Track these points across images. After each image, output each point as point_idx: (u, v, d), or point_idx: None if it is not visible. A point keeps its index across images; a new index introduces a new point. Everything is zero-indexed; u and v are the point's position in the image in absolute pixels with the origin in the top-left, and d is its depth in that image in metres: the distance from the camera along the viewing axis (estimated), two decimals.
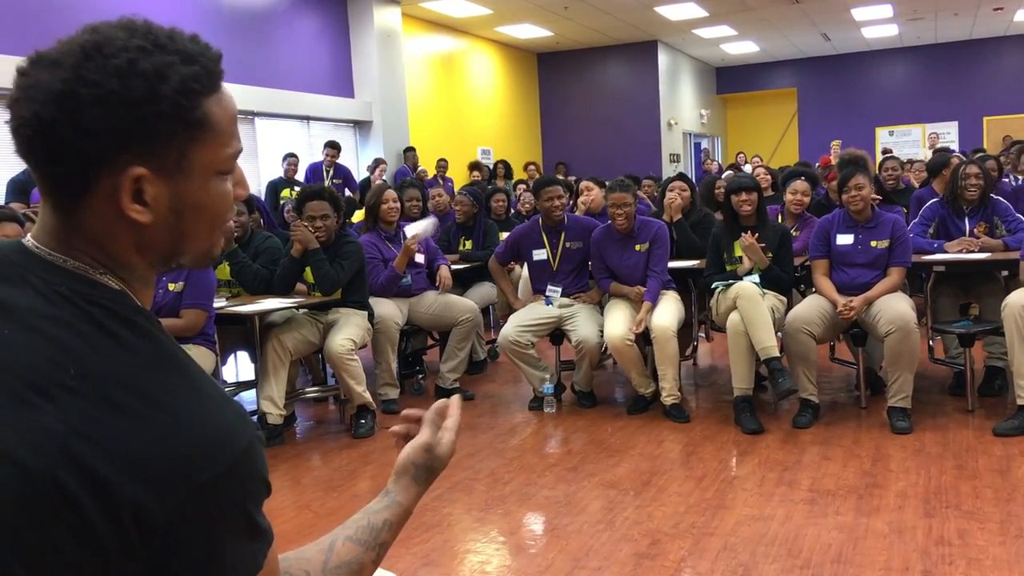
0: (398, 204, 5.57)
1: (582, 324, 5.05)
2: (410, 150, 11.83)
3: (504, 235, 6.85)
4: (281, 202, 8.84)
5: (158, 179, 0.87)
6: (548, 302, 5.24)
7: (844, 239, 4.73)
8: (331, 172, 10.12)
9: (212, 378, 0.91)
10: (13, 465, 0.77)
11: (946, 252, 4.93)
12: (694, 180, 7.20)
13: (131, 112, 0.84)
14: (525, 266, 5.70)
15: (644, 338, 4.98)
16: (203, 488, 0.82)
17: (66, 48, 0.87)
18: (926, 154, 13.54)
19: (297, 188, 9.08)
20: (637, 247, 5.05)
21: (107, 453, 0.79)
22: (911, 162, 9.13)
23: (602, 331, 4.96)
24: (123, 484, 0.79)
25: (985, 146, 15.44)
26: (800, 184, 5.54)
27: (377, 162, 10.93)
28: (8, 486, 0.77)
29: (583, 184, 6.46)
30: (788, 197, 5.59)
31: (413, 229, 5.35)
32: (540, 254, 5.34)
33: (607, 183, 5.46)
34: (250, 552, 0.88)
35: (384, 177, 10.84)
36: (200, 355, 4.39)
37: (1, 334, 0.83)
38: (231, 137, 0.93)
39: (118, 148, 0.85)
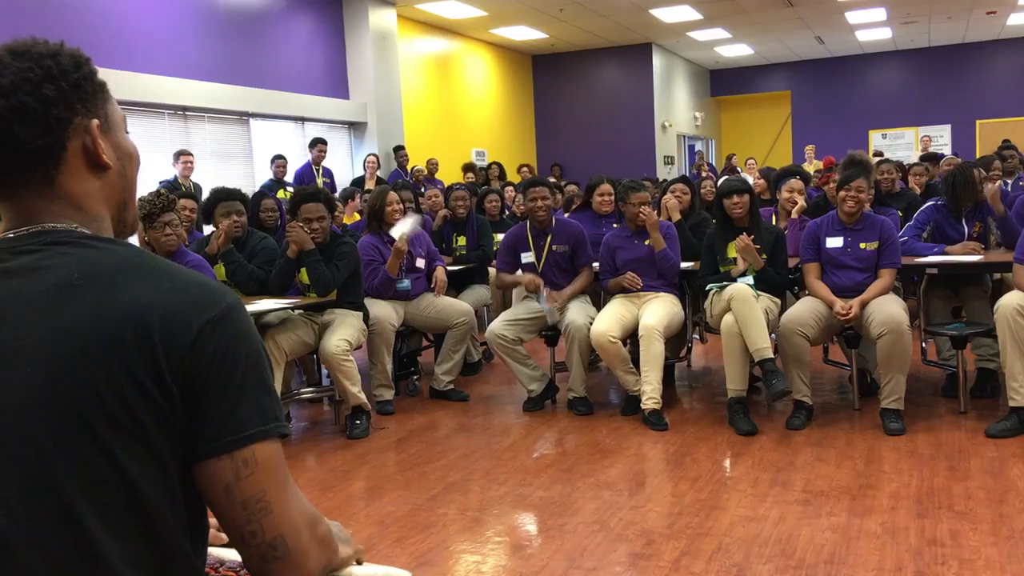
0: (401, 206, 5.58)
1: (571, 311, 5.10)
2: (400, 149, 11.80)
3: (499, 237, 6.89)
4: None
5: (102, 133, 1.11)
6: (539, 299, 5.25)
7: (834, 242, 4.75)
8: (320, 171, 10.11)
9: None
10: (64, 355, 0.98)
11: (947, 256, 4.94)
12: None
13: (69, 80, 1.07)
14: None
15: (632, 338, 4.99)
16: (212, 323, 1.03)
17: None
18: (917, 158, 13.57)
19: (290, 189, 9.10)
20: (647, 241, 5.12)
21: (130, 305, 1.00)
22: (910, 165, 9.14)
23: (592, 320, 4.97)
24: (150, 326, 1.00)
25: (977, 149, 15.50)
26: (796, 182, 5.58)
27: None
28: (65, 371, 0.97)
29: (602, 187, 6.33)
30: (784, 195, 5.62)
31: (398, 230, 5.34)
32: (527, 256, 5.36)
33: (623, 182, 5.46)
34: (267, 402, 1.07)
35: (378, 173, 10.84)
36: None
37: (11, 286, 1.02)
38: (113, 99, 1.17)
39: (72, 110, 1.07)
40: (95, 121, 1.10)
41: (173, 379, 1.00)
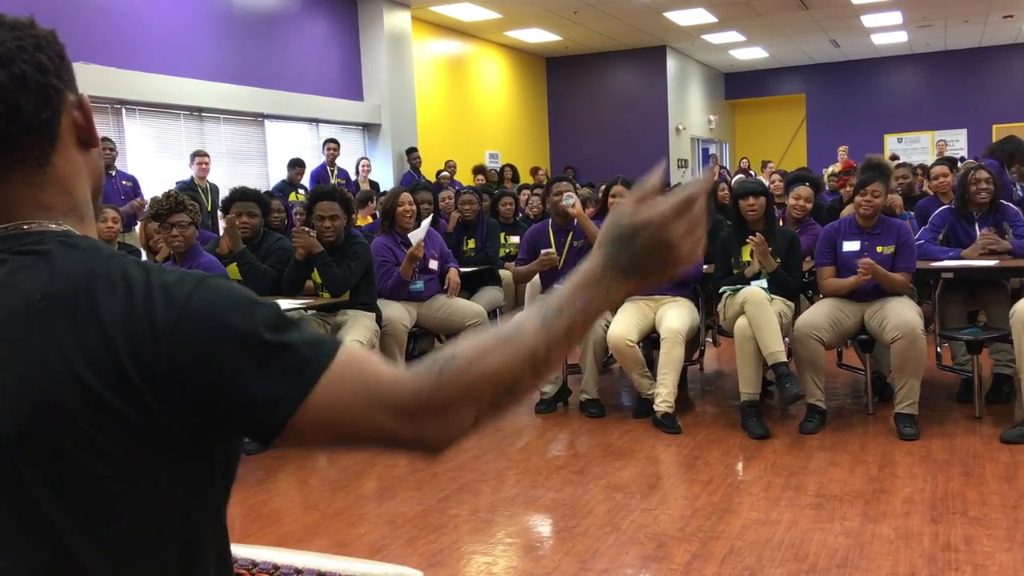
0: (414, 207, 5.59)
1: None
2: (412, 151, 11.82)
3: (513, 239, 6.90)
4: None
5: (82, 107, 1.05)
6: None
7: (850, 245, 4.73)
8: (334, 171, 10.13)
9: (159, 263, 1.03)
10: (31, 385, 0.90)
11: (963, 259, 4.91)
12: None
13: (53, 50, 1.01)
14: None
15: (652, 342, 4.99)
16: (179, 323, 0.92)
17: None
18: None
19: (302, 192, 9.13)
20: None
21: (96, 337, 0.91)
22: (924, 169, 9.09)
23: (608, 323, 4.97)
24: (119, 354, 0.90)
25: None
26: (804, 190, 5.57)
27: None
28: (36, 402, 0.90)
29: (615, 188, 6.33)
30: (791, 202, 5.62)
31: (415, 236, 5.34)
32: (548, 252, 5.36)
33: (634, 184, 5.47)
34: (291, 355, 0.93)
35: (376, 176, 10.84)
36: None
37: None
38: None
39: (62, 81, 1.01)
40: (82, 95, 1.04)
41: (154, 399, 0.91)
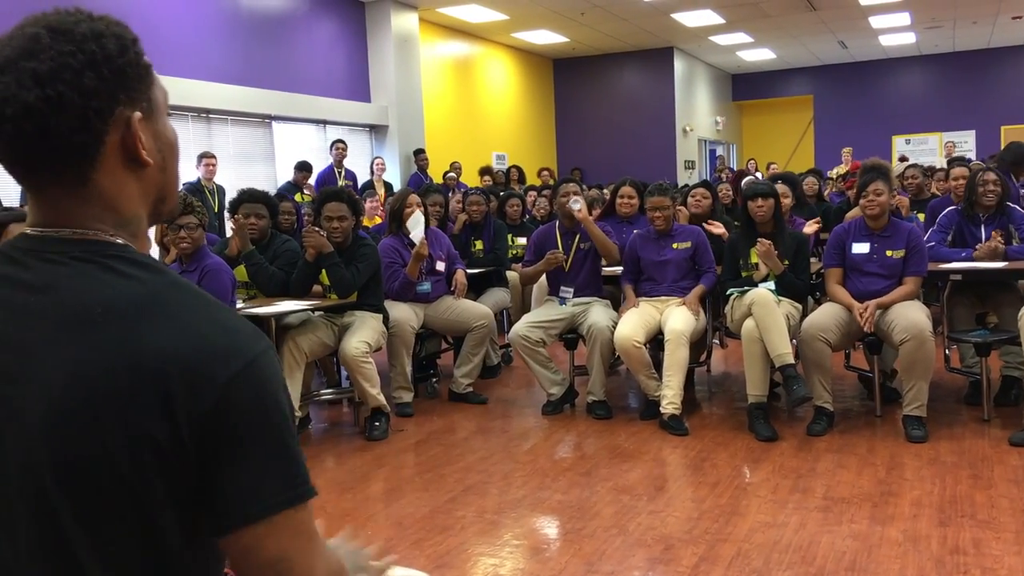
0: (421, 209, 5.58)
1: (594, 313, 5.10)
2: (420, 152, 11.82)
3: (520, 240, 6.89)
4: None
5: (144, 123, 0.99)
6: (562, 302, 5.26)
7: (860, 247, 4.72)
8: (342, 172, 10.15)
9: (221, 301, 1.01)
10: (69, 393, 0.90)
11: (974, 261, 4.90)
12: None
13: (113, 66, 0.95)
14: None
15: (659, 344, 4.98)
16: (239, 375, 0.92)
17: (21, 42, 0.94)
18: (943, 163, 13.47)
19: (308, 193, 9.14)
20: (675, 245, 5.15)
21: (152, 351, 0.90)
22: (932, 171, 9.07)
23: (615, 325, 4.97)
24: (171, 375, 0.90)
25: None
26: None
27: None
28: (70, 412, 0.89)
29: (623, 190, 6.32)
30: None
31: (416, 235, 5.33)
32: (554, 253, 5.35)
33: (649, 187, 5.46)
34: (293, 467, 0.95)
35: (385, 176, 10.85)
36: None
37: (28, 302, 0.94)
38: (159, 80, 1.05)
39: (113, 100, 0.95)
40: (137, 114, 0.97)
41: (191, 439, 0.91)
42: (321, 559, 0.99)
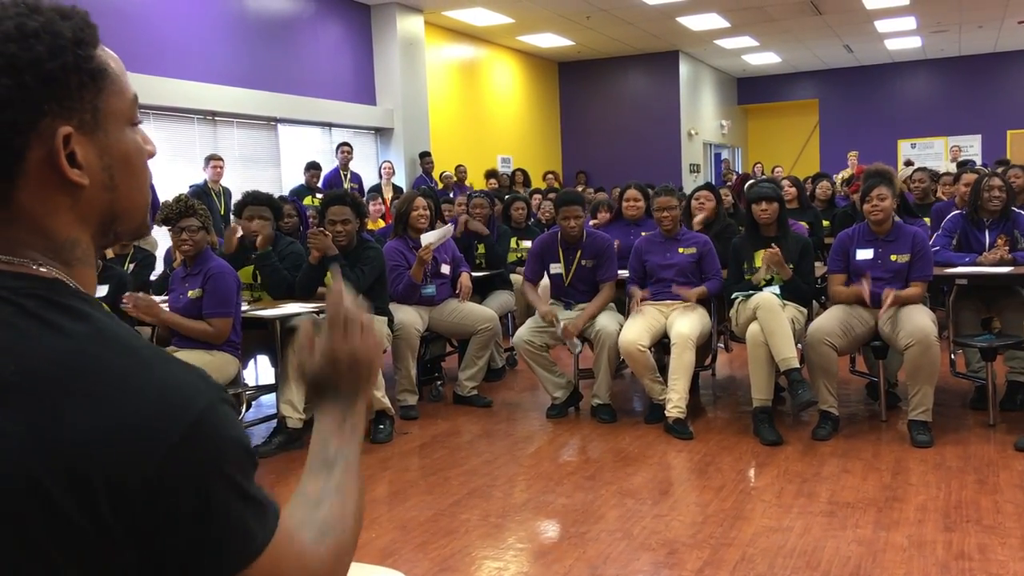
0: (428, 212, 5.60)
1: (601, 317, 5.12)
2: (426, 155, 11.84)
3: (525, 243, 6.89)
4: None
5: (83, 137, 0.86)
6: (567, 306, 5.26)
7: (864, 253, 4.71)
8: (347, 175, 10.16)
9: (160, 348, 0.89)
10: None
11: (979, 266, 4.89)
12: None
13: (38, 72, 0.82)
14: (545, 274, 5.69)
15: (664, 347, 4.98)
16: (172, 451, 0.79)
17: None
18: (949, 167, 13.45)
19: (319, 196, 9.15)
20: (681, 250, 5.14)
21: (68, 440, 0.77)
22: (938, 175, 9.06)
23: (621, 327, 4.97)
24: (91, 467, 0.77)
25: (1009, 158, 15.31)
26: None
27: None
28: None
29: (629, 192, 6.31)
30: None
31: (428, 238, 5.35)
32: (556, 268, 5.36)
33: (655, 188, 5.46)
34: (250, 522, 0.85)
35: (394, 180, 10.87)
36: (224, 361, 4.43)
37: None
38: (127, 83, 0.93)
39: (36, 111, 0.83)
40: (66, 128, 0.84)
41: (117, 521, 0.78)
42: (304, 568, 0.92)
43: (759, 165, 16.52)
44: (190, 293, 4.44)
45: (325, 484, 1.01)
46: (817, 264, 5.28)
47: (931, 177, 7.73)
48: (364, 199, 8.48)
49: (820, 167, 17.52)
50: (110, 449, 0.78)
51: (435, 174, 11.74)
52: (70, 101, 0.85)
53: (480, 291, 6.26)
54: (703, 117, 18.24)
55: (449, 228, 5.70)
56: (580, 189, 12.65)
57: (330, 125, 11.25)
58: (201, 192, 7.91)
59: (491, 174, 12.75)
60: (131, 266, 5.65)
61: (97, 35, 0.91)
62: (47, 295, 0.84)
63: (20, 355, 0.79)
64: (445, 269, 5.55)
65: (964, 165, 10.11)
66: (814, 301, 5.21)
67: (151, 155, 0.98)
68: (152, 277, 5.81)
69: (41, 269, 0.86)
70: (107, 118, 0.89)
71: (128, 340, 0.85)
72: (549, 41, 15.06)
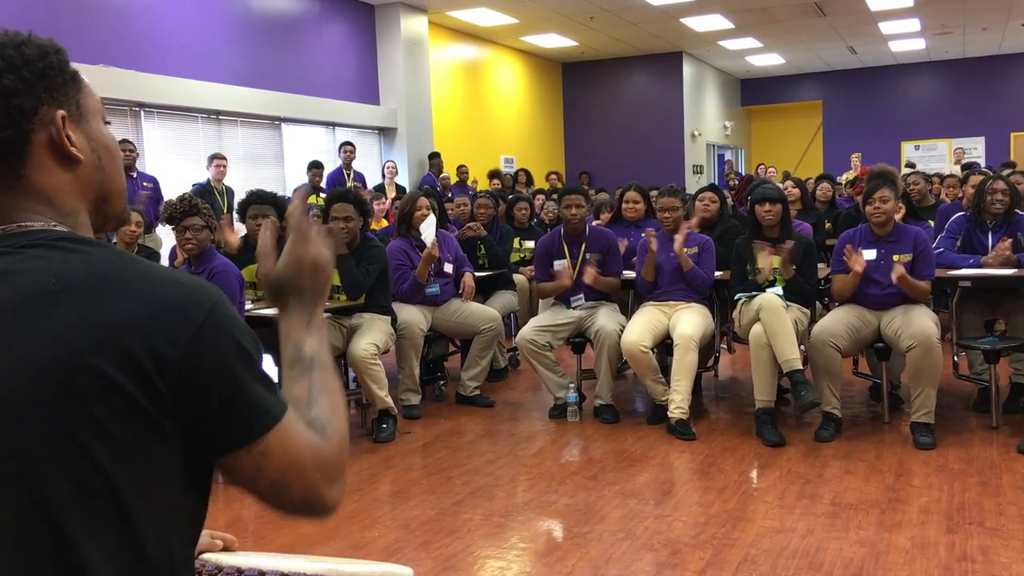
0: (431, 211, 5.59)
1: (601, 317, 5.11)
2: (435, 156, 11.85)
3: (528, 244, 6.89)
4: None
5: (73, 123, 1.07)
6: (570, 306, 5.27)
7: (867, 254, 4.70)
8: (351, 174, 10.17)
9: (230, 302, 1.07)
10: (44, 362, 0.94)
11: (983, 267, 4.88)
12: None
13: (33, 69, 1.03)
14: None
15: (667, 348, 4.98)
16: (200, 329, 0.99)
17: None
18: (953, 169, 13.43)
19: (323, 195, 9.15)
20: (684, 249, 5.12)
21: (115, 325, 0.96)
22: (941, 177, 9.04)
23: (623, 329, 4.97)
24: (136, 345, 0.95)
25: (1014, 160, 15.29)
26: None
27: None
28: (47, 379, 0.93)
29: (629, 194, 6.33)
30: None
31: (429, 237, 5.34)
32: (560, 263, 5.35)
33: (659, 189, 5.47)
34: (265, 393, 1.03)
35: (397, 180, 10.87)
36: None
37: None
38: (92, 89, 1.13)
39: (37, 100, 1.03)
40: (61, 111, 1.05)
41: (166, 388, 0.97)
42: (311, 458, 1.06)
43: (764, 167, 16.51)
44: None
45: (311, 385, 1.13)
46: (820, 265, 5.28)
47: (924, 178, 7.72)
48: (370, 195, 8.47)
49: (824, 169, 17.50)
50: (150, 329, 0.97)
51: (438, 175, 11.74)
52: (59, 94, 1.06)
53: (483, 291, 6.26)
54: (707, 118, 18.24)
55: (432, 217, 5.57)
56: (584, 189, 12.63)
57: (334, 125, 11.26)
58: (205, 191, 7.92)
59: (494, 174, 12.75)
60: None
61: (67, 53, 1.11)
62: (67, 237, 1.04)
63: (58, 272, 0.99)
64: (448, 268, 5.55)
65: (970, 167, 10.09)
66: (817, 302, 5.20)
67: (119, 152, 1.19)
68: None
69: (57, 227, 1.05)
70: (88, 112, 1.10)
71: (140, 259, 1.05)
72: (553, 41, 15.07)
